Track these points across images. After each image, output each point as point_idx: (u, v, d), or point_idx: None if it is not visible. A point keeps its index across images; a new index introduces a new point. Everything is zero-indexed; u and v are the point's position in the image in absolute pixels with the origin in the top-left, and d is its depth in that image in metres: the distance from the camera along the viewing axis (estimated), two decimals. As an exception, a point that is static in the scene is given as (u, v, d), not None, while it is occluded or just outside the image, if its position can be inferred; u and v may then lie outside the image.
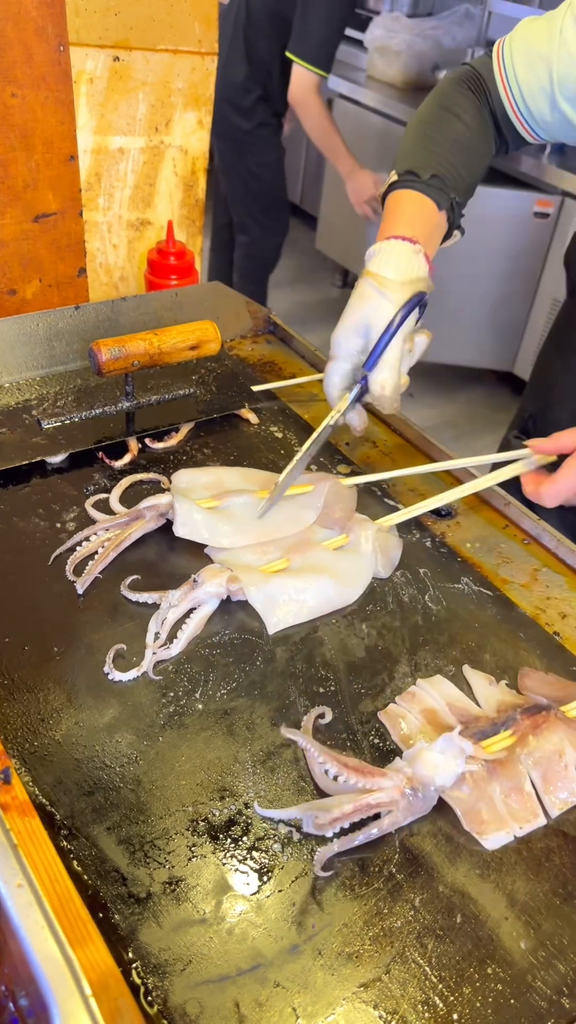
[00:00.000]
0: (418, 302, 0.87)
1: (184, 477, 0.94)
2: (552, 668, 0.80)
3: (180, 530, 0.86)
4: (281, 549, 0.87)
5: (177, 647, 0.77)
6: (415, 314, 0.88)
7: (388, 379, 0.88)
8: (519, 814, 0.66)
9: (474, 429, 3.28)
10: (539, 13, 2.97)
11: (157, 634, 0.77)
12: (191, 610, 0.80)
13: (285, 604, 0.81)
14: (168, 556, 0.87)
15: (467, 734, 0.70)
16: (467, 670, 0.78)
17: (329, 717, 0.72)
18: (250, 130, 2.91)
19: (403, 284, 0.87)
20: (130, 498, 0.91)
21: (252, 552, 0.86)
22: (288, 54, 2.65)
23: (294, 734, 0.67)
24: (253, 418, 1.07)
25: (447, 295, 3.28)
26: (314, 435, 0.92)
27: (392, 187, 0.96)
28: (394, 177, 0.96)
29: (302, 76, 2.66)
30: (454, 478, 1.04)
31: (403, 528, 0.94)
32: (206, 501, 0.90)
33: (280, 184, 3.06)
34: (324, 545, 0.88)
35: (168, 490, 0.92)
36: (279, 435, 1.06)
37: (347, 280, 4.11)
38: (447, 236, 0.98)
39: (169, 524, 0.87)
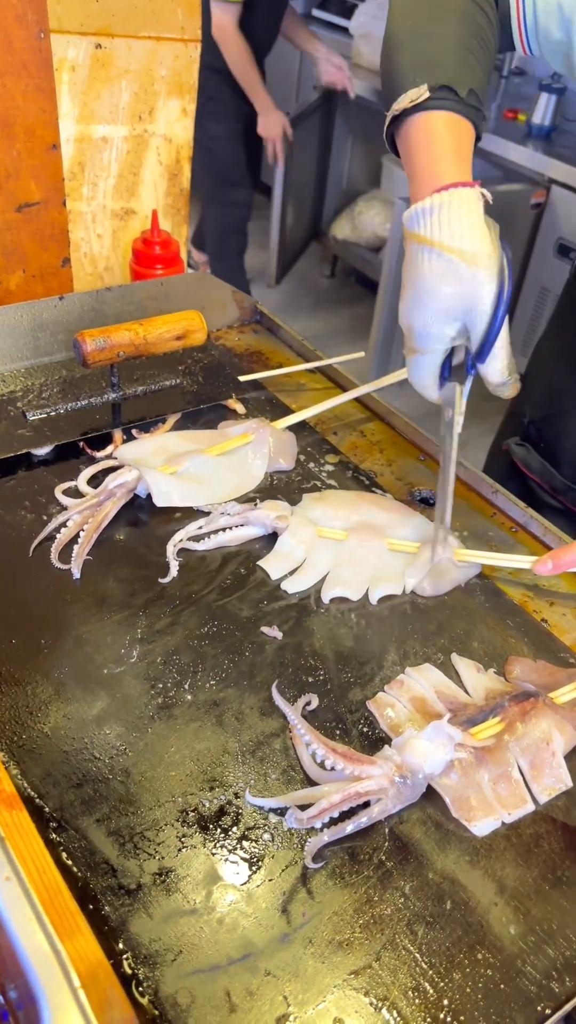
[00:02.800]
0: (510, 259, 0.75)
1: (129, 451, 0.94)
2: (540, 655, 0.80)
3: (160, 500, 0.89)
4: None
5: (206, 544, 0.86)
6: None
7: (508, 363, 0.78)
8: (507, 800, 0.66)
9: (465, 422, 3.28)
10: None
11: (200, 527, 0.87)
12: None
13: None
14: (141, 534, 0.86)
15: (456, 722, 0.70)
16: (455, 658, 0.79)
17: (315, 704, 0.72)
18: (201, 103, 2.90)
19: (490, 253, 0.73)
20: (93, 483, 0.92)
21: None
22: None
23: (284, 704, 0.67)
24: (240, 408, 1.07)
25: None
26: (452, 452, 0.85)
27: (422, 106, 0.76)
28: (425, 93, 0.76)
29: (216, 12, 2.70)
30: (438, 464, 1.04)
31: (391, 517, 0.94)
32: (164, 468, 0.92)
33: (235, 157, 3.01)
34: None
35: (123, 467, 0.91)
36: (266, 425, 1.06)
37: (335, 270, 4.10)
38: None
39: (129, 503, 0.90)
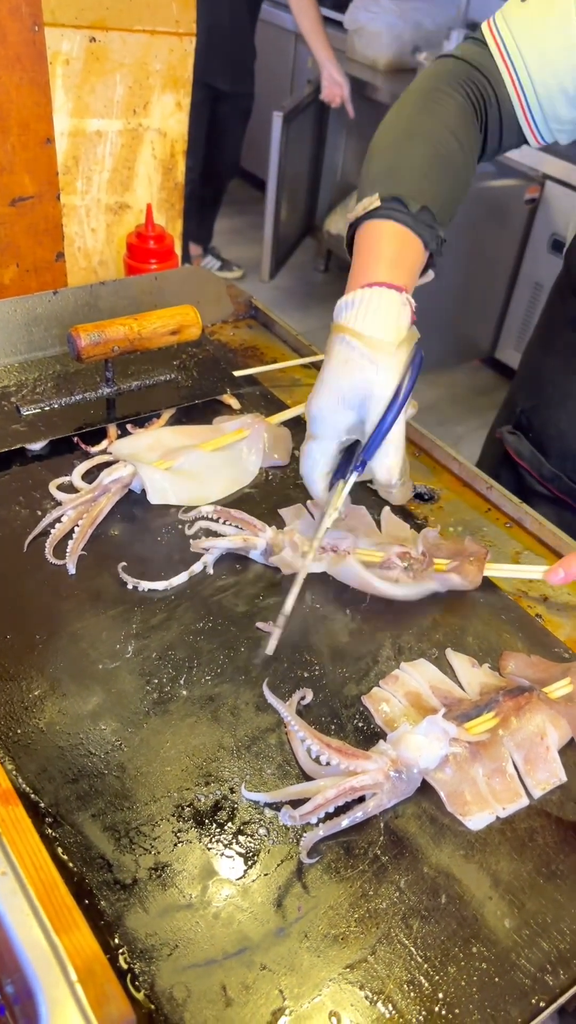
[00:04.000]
0: (419, 365, 0.74)
1: (124, 445, 0.94)
2: (534, 650, 0.80)
3: (155, 497, 0.89)
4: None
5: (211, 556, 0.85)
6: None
7: (397, 463, 0.74)
8: (502, 795, 0.67)
9: (457, 413, 3.28)
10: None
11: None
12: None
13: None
14: (136, 529, 0.86)
15: (450, 716, 0.70)
16: (450, 653, 0.79)
17: (309, 699, 0.72)
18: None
19: (397, 345, 0.72)
20: (88, 478, 0.92)
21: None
22: None
23: (276, 702, 0.67)
24: (235, 403, 1.07)
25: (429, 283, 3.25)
26: (318, 535, 0.78)
27: (370, 214, 0.79)
28: (376, 202, 0.79)
29: None
30: (433, 460, 1.04)
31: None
32: (159, 463, 0.92)
33: (195, 130, 3.10)
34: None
35: (118, 462, 0.91)
36: (261, 420, 1.06)
37: (329, 264, 4.09)
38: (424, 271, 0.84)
39: (124, 498, 0.90)
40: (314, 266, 4.13)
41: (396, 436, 0.73)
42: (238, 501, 0.93)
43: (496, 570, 0.87)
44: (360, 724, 0.72)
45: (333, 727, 0.71)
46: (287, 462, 0.99)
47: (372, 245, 0.78)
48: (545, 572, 0.83)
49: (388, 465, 0.74)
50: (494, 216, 3.03)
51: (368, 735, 0.71)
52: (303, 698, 0.72)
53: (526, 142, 0.91)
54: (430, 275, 0.86)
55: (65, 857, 0.60)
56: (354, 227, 0.81)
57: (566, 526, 0.94)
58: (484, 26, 0.88)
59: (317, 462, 0.76)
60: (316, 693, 0.73)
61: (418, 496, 0.99)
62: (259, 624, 0.79)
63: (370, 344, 0.72)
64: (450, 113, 0.84)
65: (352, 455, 0.77)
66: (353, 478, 0.76)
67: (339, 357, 0.73)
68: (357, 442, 0.76)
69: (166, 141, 1.32)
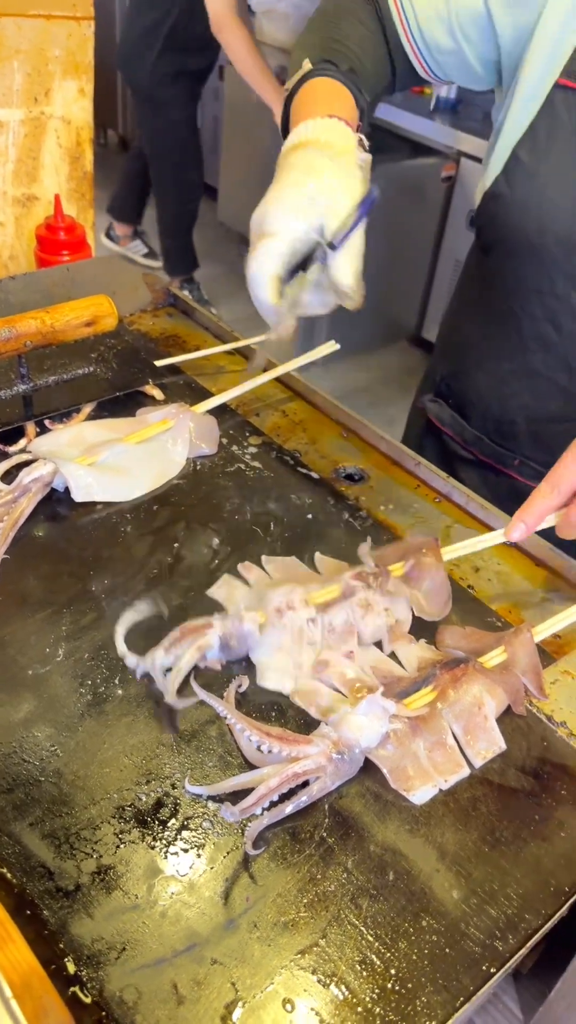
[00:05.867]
0: (374, 197, 0.71)
1: (44, 443, 0.92)
2: (469, 621, 0.81)
3: (79, 495, 0.86)
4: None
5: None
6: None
7: (357, 267, 0.72)
8: (443, 767, 0.67)
9: (389, 394, 3.31)
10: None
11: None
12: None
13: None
14: (61, 529, 0.84)
15: (389, 694, 0.70)
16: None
17: (246, 685, 0.71)
18: (163, 89, 2.94)
19: (360, 153, 0.72)
20: (7, 478, 0.89)
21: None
22: None
23: (208, 698, 0.66)
24: (158, 394, 1.05)
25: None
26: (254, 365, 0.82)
27: (305, 78, 0.82)
28: (308, 66, 0.83)
29: (212, 3, 2.59)
30: (362, 440, 1.04)
31: (318, 498, 0.94)
32: (81, 459, 0.89)
33: (191, 140, 3.09)
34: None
35: (37, 460, 0.88)
36: (186, 410, 1.04)
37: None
38: None
39: (47, 497, 0.87)
40: (238, 253, 4.10)
41: (358, 240, 0.71)
42: (167, 493, 0.92)
43: (462, 548, 0.84)
44: (302, 709, 0.71)
45: (274, 713, 0.71)
46: (215, 451, 0.98)
47: (309, 97, 0.80)
48: (505, 531, 0.80)
49: (349, 264, 0.71)
50: (412, 196, 3.05)
51: (310, 719, 0.70)
52: (240, 686, 0.71)
53: (421, 79, 0.96)
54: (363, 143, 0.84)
55: (3, 869, 0.58)
56: (290, 99, 0.83)
57: (490, 488, 0.96)
58: None
59: (264, 264, 0.70)
60: (254, 679, 0.72)
61: (348, 477, 0.99)
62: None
63: (331, 149, 0.70)
64: (360, 10, 0.92)
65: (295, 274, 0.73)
66: (313, 272, 0.72)
67: (303, 161, 0.70)
68: (306, 261, 0.73)
69: (71, 129, 1.29)
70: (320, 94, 0.80)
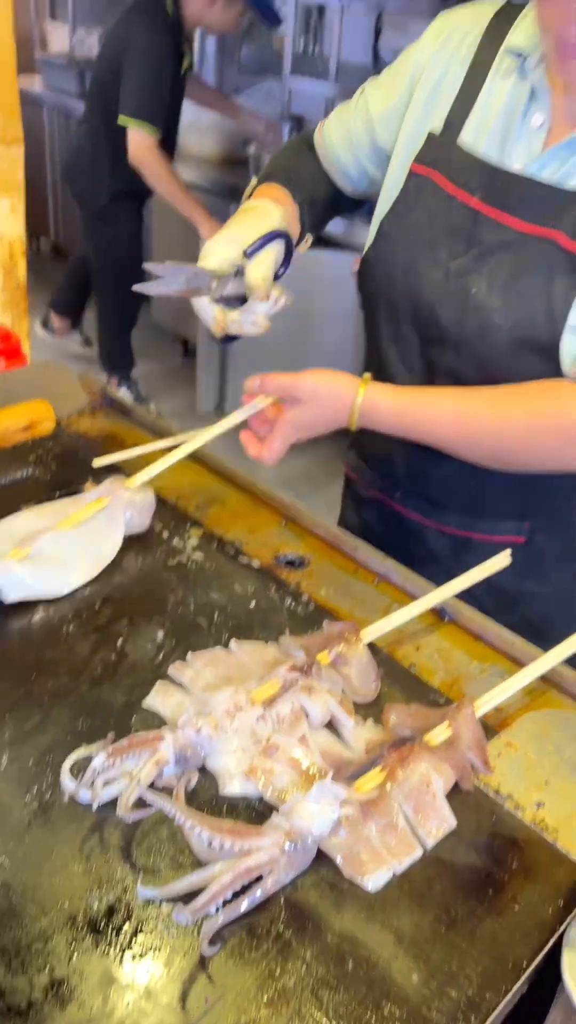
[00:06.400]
0: (288, 240, 0.97)
1: None
2: (413, 699, 0.82)
3: (12, 595, 0.86)
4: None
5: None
6: (279, 251, 0.96)
7: (268, 272, 0.94)
8: (396, 849, 0.67)
9: (328, 475, 3.37)
10: (333, 87, 3.17)
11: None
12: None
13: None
14: (2, 633, 0.84)
15: (339, 778, 0.71)
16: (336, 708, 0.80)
17: (195, 781, 0.71)
18: (104, 207, 3.10)
19: (281, 214, 0.98)
20: None
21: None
22: (120, 120, 2.84)
23: (155, 800, 0.65)
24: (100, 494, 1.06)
25: (282, 347, 3.41)
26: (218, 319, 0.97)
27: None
28: (253, 183, 1.08)
29: (135, 136, 2.85)
30: (300, 527, 1.06)
31: (261, 585, 0.96)
32: (14, 553, 0.88)
33: (137, 252, 3.24)
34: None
35: None
36: (126, 507, 1.06)
37: (187, 349, 4.17)
38: (299, 241, 1.08)
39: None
40: (173, 352, 4.20)
41: (270, 257, 0.95)
42: (109, 590, 0.92)
43: (389, 623, 0.88)
44: (253, 802, 0.71)
45: (224, 807, 0.70)
46: (147, 526, 0.99)
47: (260, 193, 1.05)
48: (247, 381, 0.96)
49: (263, 273, 0.93)
50: (327, 287, 3.23)
51: (260, 811, 0.70)
52: (188, 782, 0.70)
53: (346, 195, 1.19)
54: (309, 239, 1.11)
55: (-49, 993, 0.56)
56: None
57: (385, 522, 1.13)
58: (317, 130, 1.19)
59: (218, 251, 0.93)
60: (202, 773, 0.72)
61: (289, 563, 1.01)
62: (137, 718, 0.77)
63: (260, 208, 0.99)
64: (313, 158, 1.17)
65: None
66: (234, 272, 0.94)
67: (236, 218, 0.98)
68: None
69: (3, 243, 1.34)
70: (270, 193, 1.04)
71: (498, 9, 1.01)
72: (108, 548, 0.94)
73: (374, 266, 1.07)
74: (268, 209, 0.99)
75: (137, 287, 0.91)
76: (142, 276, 0.91)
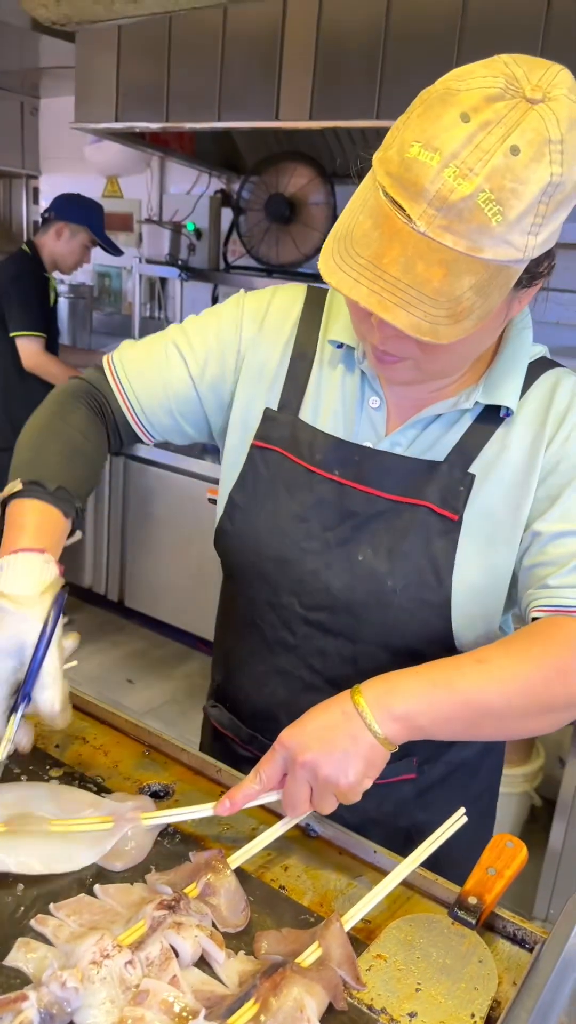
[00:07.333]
0: (61, 605, 0.89)
1: None
2: (284, 922, 0.83)
3: None
4: None
5: None
6: (61, 619, 0.90)
7: (56, 693, 0.88)
8: None
9: (195, 703, 3.35)
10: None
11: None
12: None
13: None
14: None
15: (213, 1016, 0.69)
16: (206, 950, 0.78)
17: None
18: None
19: (39, 596, 0.89)
20: None
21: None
22: (13, 336, 3.28)
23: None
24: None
25: (151, 567, 3.55)
26: None
27: (17, 495, 0.98)
28: (18, 486, 0.98)
29: (24, 347, 3.27)
30: (164, 755, 1.08)
31: (123, 819, 0.95)
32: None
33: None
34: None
35: None
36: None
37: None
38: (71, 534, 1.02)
39: None
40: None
41: (51, 668, 0.87)
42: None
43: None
44: (122, 1055, 0.68)
45: (94, 1068, 0.67)
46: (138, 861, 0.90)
47: (16, 519, 0.96)
48: (215, 807, 0.89)
49: (49, 698, 0.87)
50: (186, 512, 3.43)
51: (132, 1065, 0.67)
52: (56, 1041, 0.67)
53: (142, 441, 1.16)
54: (78, 535, 1.05)
55: None
56: (2, 508, 0.99)
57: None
58: (104, 359, 1.14)
59: None
60: (70, 1034, 0.69)
61: (154, 795, 1.01)
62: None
63: (15, 600, 0.87)
64: (78, 418, 1.09)
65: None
66: (21, 710, 0.87)
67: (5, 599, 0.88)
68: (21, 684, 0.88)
69: None
70: (26, 518, 0.96)
71: (306, 295, 1.10)
72: (71, 863, 0.88)
73: (235, 538, 1.08)
74: (30, 599, 0.88)
75: None
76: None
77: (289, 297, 1.12)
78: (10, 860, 0.86)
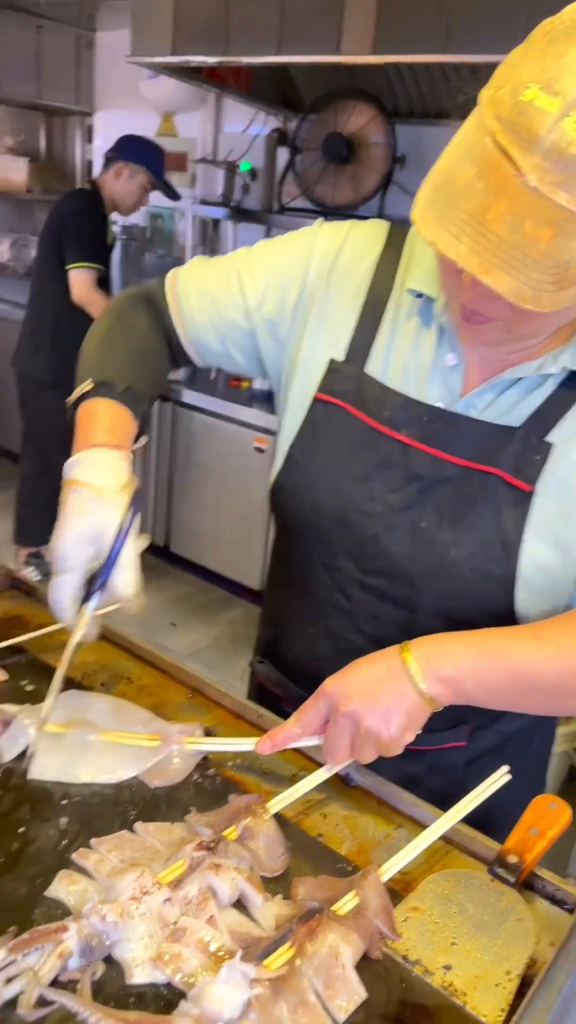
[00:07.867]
0: (140, 502, 0.91)
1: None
2: (321, 869, 0.83)
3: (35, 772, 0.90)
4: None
5: None
6: (137, 541, 0.90)
7: (131, 578, 0.89)
8: (308, 1028, 0.66)
9: (237, 649, 3.38)
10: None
11: None
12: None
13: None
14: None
15: (249, 957, 0.70)
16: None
17: (101, 972, 0.69)
18: (40, 376, 3.42)
19: (119, 489, 0.89)
20: None
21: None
22: (68, 268, 3.26)
23: (59, 996, 0.63)
24: (2, 675, 1.06)
25: (196, 513, 3.56)
26: (65, 659, 0.91)
27: (85, 396, 0.98)
28: (88, 386, 0.98)
29: (77, 277, 3.25)
30: (207, 698, 1.08)
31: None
32: (56, 726, 0.94)
33: (60, 431, 3.44)
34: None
35: None
36: (30, 688, 1.06)
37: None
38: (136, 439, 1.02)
39: None
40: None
41: (128, 557, 0.88)
42: (4, 777, 0.91)
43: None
44: (163, 990, 0.69)
45: (132, 999, 0.68)
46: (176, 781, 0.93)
47: (90, 417, 0.96)
48: (256, 743, 0.91)
49: (124, 580, 0.88)
50: (238, 463, 3.39)
51: (169, 999, 0.68)
52: (94, 974, 0.68)
53: (193, 361, 1.15)
54: (144, 439, 1.04)
55: None
56: (74, 408, 1.00)
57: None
58: (170, 272, 1.13)
59: (64, 594, 0.88)
60: (109, 963, 0.70)
61: (195, 738, 1.02)
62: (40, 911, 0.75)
63: (98, 491, 0.88)
64: (143, 324, 1.09)
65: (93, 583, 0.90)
66: (95, 599, 0.89)
67: (74, 504, 0.88)
68: (96, 573, 0.89)
69: None
70: (99, 416, 0.96)
71: (387, 236, 1.03)
72: (121, 773, 0.93)
73: (293, 495, 1.04)
74: (110, 488, 0.88)
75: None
76: (64, 452, 0.92)
77: (367, 236, 1.05)
78: (54, 762, 0.91)
